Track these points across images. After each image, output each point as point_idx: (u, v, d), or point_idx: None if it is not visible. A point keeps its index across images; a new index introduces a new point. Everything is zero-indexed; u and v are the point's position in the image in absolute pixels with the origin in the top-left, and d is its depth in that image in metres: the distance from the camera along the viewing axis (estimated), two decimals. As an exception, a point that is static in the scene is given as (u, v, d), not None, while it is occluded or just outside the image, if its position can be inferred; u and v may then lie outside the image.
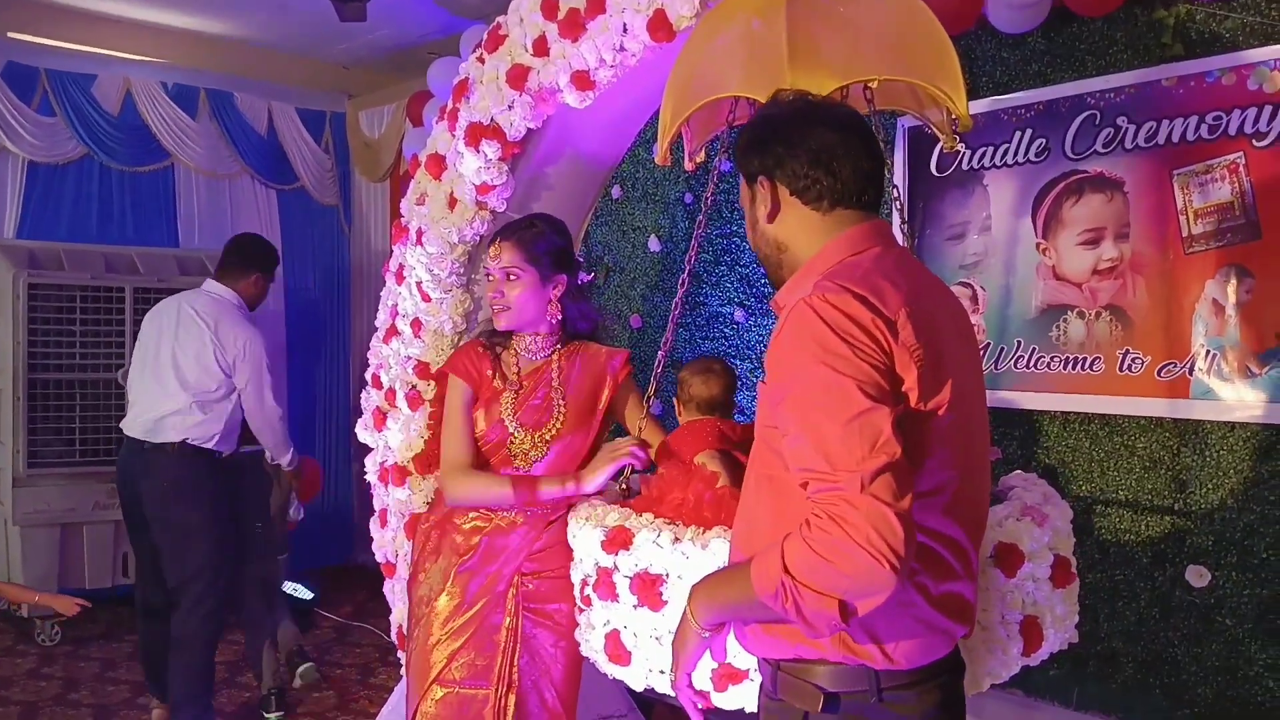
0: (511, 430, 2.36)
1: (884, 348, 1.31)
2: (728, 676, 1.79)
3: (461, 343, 2.96)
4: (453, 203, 2.86)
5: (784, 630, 1.45)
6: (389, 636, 3.23)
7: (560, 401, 2.40)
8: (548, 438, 2.37)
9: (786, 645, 1.46)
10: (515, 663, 2.33)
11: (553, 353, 2.44)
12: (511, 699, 2.32)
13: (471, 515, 2.38)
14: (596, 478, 2.24)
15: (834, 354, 1.30)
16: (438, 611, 2.35)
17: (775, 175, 1.53)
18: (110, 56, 5.46)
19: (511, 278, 2.34)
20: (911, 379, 1.32)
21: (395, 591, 3.02)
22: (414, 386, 2.97)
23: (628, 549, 1.91)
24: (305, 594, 5.21)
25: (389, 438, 3.01)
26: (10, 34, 5.17)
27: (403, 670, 2.92)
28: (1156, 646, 2.97)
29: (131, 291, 4.87)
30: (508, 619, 2.34)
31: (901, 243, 3.36)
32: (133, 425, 3.65)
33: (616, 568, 1.91)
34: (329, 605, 5.31)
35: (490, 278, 2.38)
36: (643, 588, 1.86)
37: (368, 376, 3.15)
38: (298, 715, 3.95)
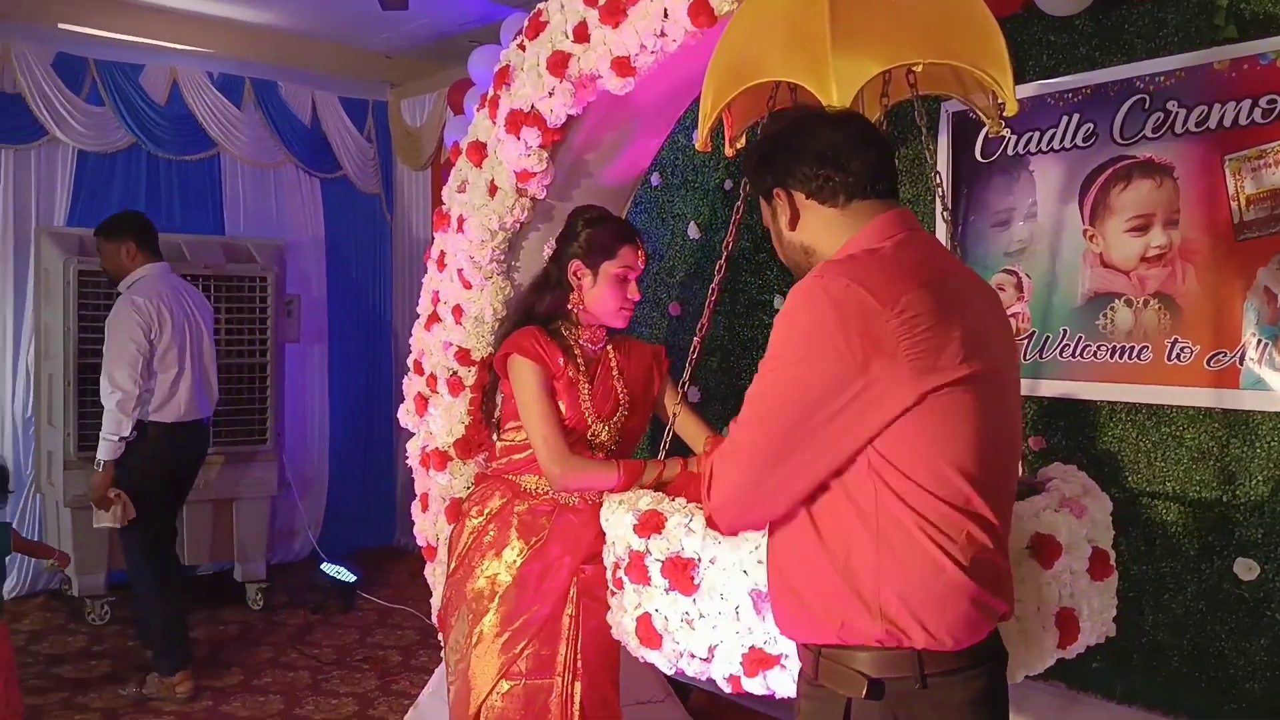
0: (590, 420, 2.38)
1: (868, 337, 1.35)
2: (758, 662, 1.80)
3: (500, 329, 2.97)
4: (493, 190, 2.87)
5: (825, 615, 1.46)
6: (429, 619, 3.27)
7: (624, 393, 2.45)
8: (618, 426, 2.43)
9: (830, 630, 1.46)
10: (579, 651, 2.34)
11: (605, 345, 2.47)
12: (577, 686, 2.34)
13: (537, 505, 2.39)
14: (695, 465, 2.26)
15: (801, 349, 1.40)
16: (505, 605, 2.35)
17: (788, 184, 1.58)
18: (157, 47, 5.55)
19: (639, 281, 2.43)
20: (906, 363, 1.35)
21: (436, 575, 3.05)
22: (455, 372, 2.99)
23: (660, 533, 1.91)
24: (348, 576, 5.28)
25: (431, 423, 3.04)
26: (60, 25, 5.27)
27: (444, 654, 2.96)
28: (1203, 640, 2.92)
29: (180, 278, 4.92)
30: (569, 607, 2.35)
31: (943, 229, 3.35)
32: (194, 408, 4.02)
33: (648, 551, 1.92)
34: (370, 588, 5.38)
35: (627, 279, 2.41)
36: (674, 571, 1.87)
37: (409, 362, 3.18)
38: (340, 696, 4.01)
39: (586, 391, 2.40)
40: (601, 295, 2.40)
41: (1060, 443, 3.22)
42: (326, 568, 5.40)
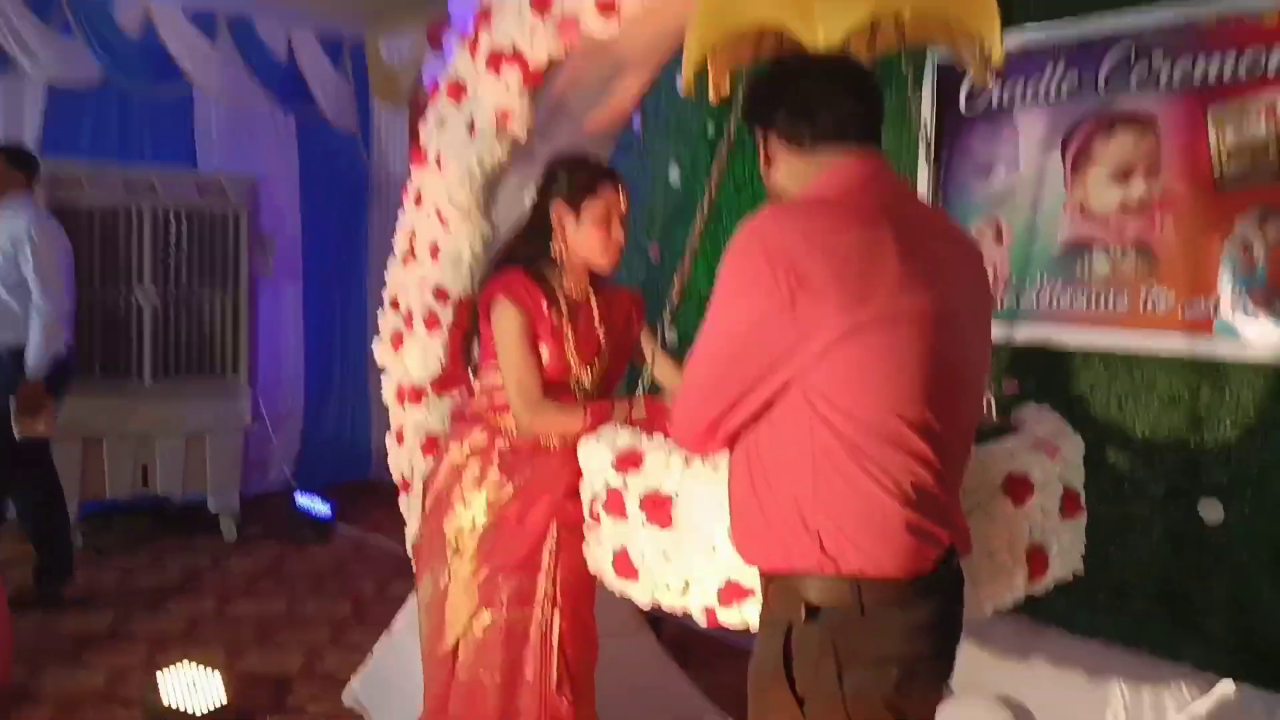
0: (574, 366, 2.38)
1: (794, 274, 1.40)
2: (734, 593, 1.83)
3: (476, 268, 2.95)
4: (473, 129, 2.84)
5: (774, 541, 1.52)
6: (404, 550, 3.29)
7: (603, 336, 2.45)
8: (600, 370, 2.43)
9: (778, 556, 1.52)
10: (558, 581, 2.36)
11: (588, 289, 2.46)
12: (556, 614, 2.36)
13: (517, 443, 2.39)
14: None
15: (736, 285, 1.48)
16: (485, 545, 2.36)
17: (766, 127, 1.68)
18: (130, -22, 5.41)
19: (622, 221, 2.39)
20: (834, 299, 1.40)
21: (410, 506, 3.06)
22: (432, 310, 2.98)
23: (638, 469, 1.93)
24: (323, 508, 5.31)
25: (407, 359, 3.03)
26: (29, -47, 5.12)
27: (417, 583, 2.99)
28: (1167, 578, 2.99)
29: (151, 212, 4.88)
30: (549, 542, 2.37)
31: (926, 178, 3.35)
32: None
33: (626, 487, 1.93)
34: (345, 520, 5.41)
35: (608, 220, 2.37)
36: (652, 507, 1.89)
37: (385, 299, 3.16)
38: (315, 623, 4.04)
39: (571, 337, 2.39)
40: (585, 236, 2.37)
41: (1033, 387, 3.26)
42: (301, 499, 5.42)
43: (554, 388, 2.37)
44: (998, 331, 3.26)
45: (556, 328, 2.37)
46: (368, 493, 6.06)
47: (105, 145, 5.46)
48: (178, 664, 3.14)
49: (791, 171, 1.64)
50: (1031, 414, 2.15)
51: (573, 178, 2.38)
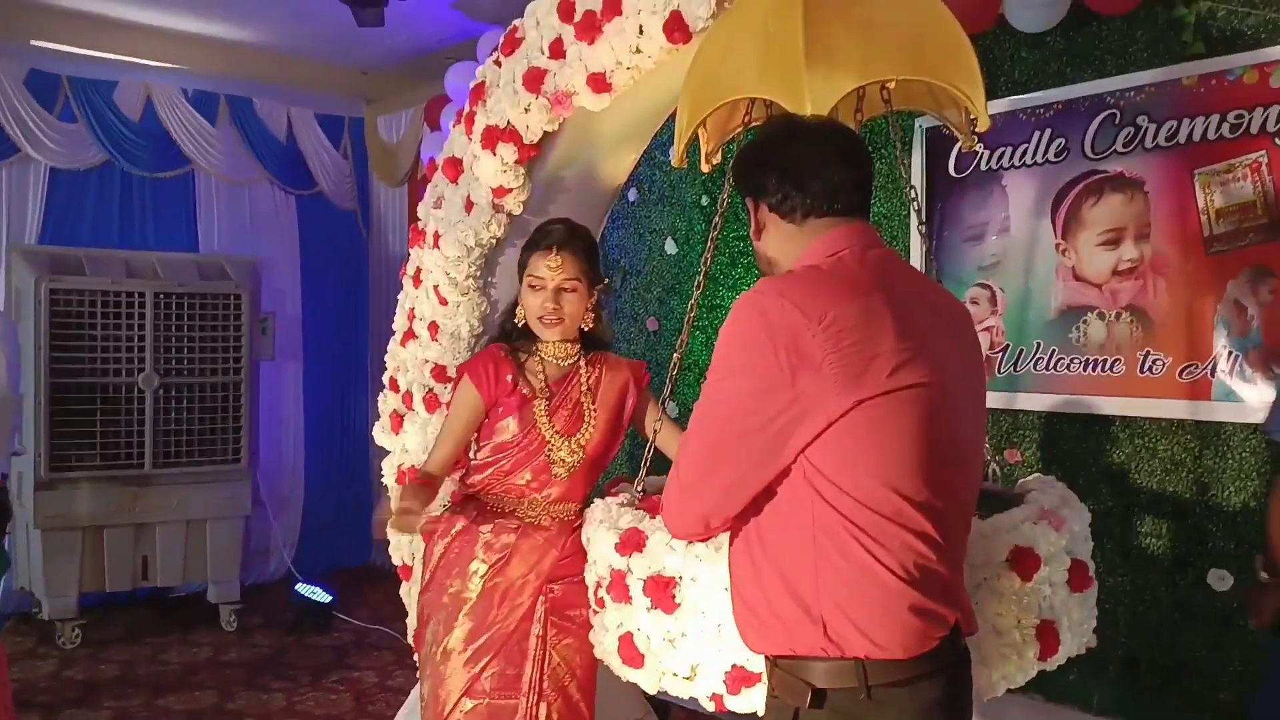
0: (548, 437, 2.36)
1: (794, 351, 1.39)
2: (740, 679, 1.79)
3: (479, 346, 2.97)
4: (470, 206, 2.87)
5: (776, 626, 1.49)
6: (405, 639, 3.23)
7: (591, 409, 2.42)
8: (583, 443, 2.40)
9: (781, 640, 1.49)
10: (545, 671, 2.33)
11: (578, 360, 2.45)
12: (543, 707, 2.32)
13: (502, 523, 2.38)
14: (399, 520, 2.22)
15: (734, 362, 1.45)
16: (465, 624, 2.34)
17: (756, 195, 1.63)
18: (131, 63, 5.51)
19: (569, 289, 2.35)
20: (832, 377, 1.38)
21: (411, 595, 3.02)
22: (431, 389, 2.98)
23: (641, 551, 1.90)
24: (324, 597, 5.23)
25: (406, 440, 3.02)
26: (33, 41, 5.22)
27: (419, 675, 2.93)
28: (1178, 651, 2.94)
29: (153, 296, 4.90)
30: (536, 627, 2.34)
31: (918, 244, 3.37)
32: None
33: (630, 570, 1.91)
34: (346, 608, 5.33)
35: (540, 287, 2.35)
36: (656, 590, 1.86)
37: (385, 380, 3.16)
38: (317, 718, 3.96)
39: (544, 408, 2.37)
40: (527, 304, 2.39)
41: (1034, 455, 3.24)
42: (302, 588, 5.35)
43: (525, 458, 2.36)
44: (997, 399, 3.25)
45: (527, 399, 2.36)
46: (368, 579, 5.99)
47: (106, 228, 5.51)
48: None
49: (782, 241, 1.62)
50: (1036, 484, 2.12)
51: (524, 249, 2.42)
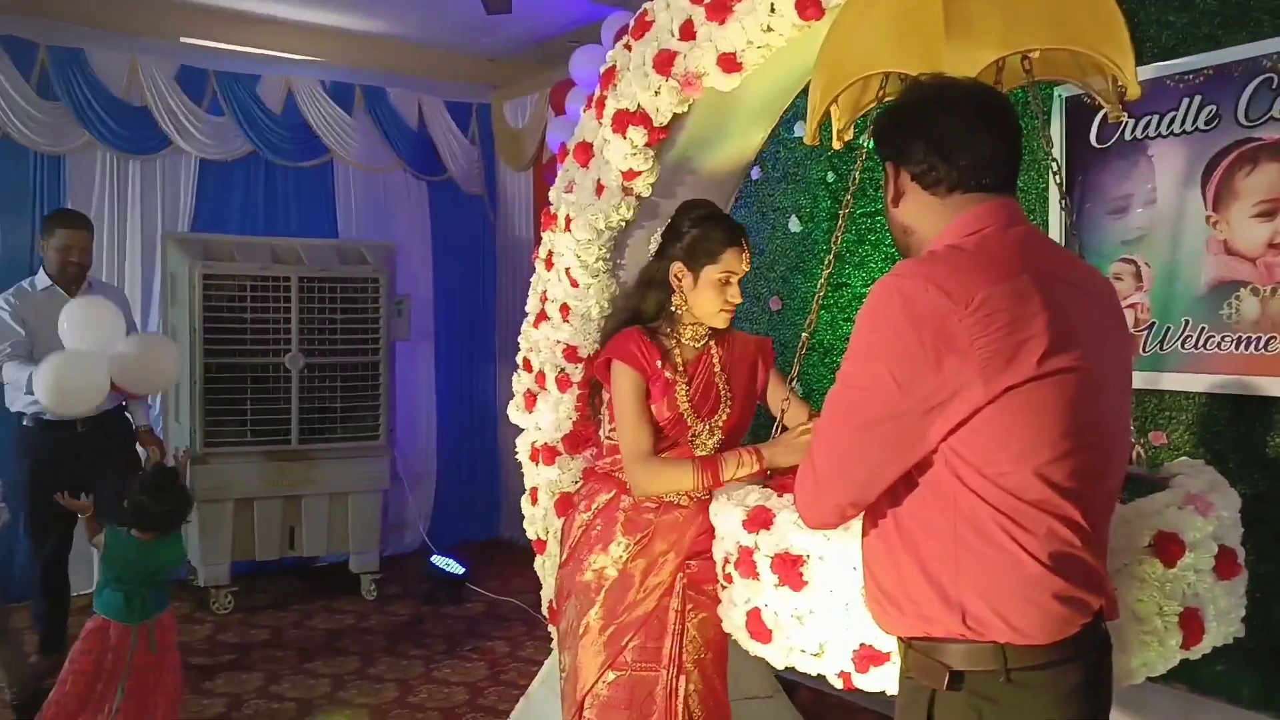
0: (689, 421, 2.38)
1: (941, 335, 1.35)
2: (869, 658, 1.79)
3: (606, 329, 3.01)
4: (600, 189, 2.91)
5: (911, 610, 1.47)
6: (535, 611, 3.32)
7: (726, 389, 2.45)
8: (720, 424, 2.42)
9: (916, 623, 1.47)
10: (684, 645, 2.36)
11: (708, 341, 2.47)
12: (682, 680, 2.35)
13: (642, 501, 2.41)
14: (781, 454, 2.24)
15: (876, 348, 1.41)
16: (610, 599, 2.38)
17: (899, 161, 1.58)
18: (273, 57, 5.77)
19: (741, 282, 2.41)
20: (979, 362, 1.34)
21: (546, 568, 3.10)
22: (563, 370, 3.05)
23: (769, 529, 1.91)
24: (457, 568, 5.42)
25: (539, 418, 3.10)
26: (182, 39, 5.52)
27: (553, 645, 3.01)
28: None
29: (297, 280, 5.12)
30: (675, 601, 2.37)
31: (1058, 218, 3.27)
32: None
33: (757, 547, 1.92)
34: (477, 580, 5.51)
35: (729, 281, 2.38)
36: (783, 567, 1.87)
37: (518, 360, 3.24)
38: (452, 685, 4.11)
39: (684, 393, 2.39)
40: (702, 298, 2.39)
41: (1182, 437, 3.11)
42: (436, 560, 5.55)
43: (671, 443, 2.39)
44: (1142, 379, 3.13)
45: (670, 383, 2.38)
46: (498, 551, 6.20)
47: (252, 216, 5.80)
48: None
49: (922, 213, 1.56)
50: (1184, 467, 2.04)
51: (696, 241, 2.40)
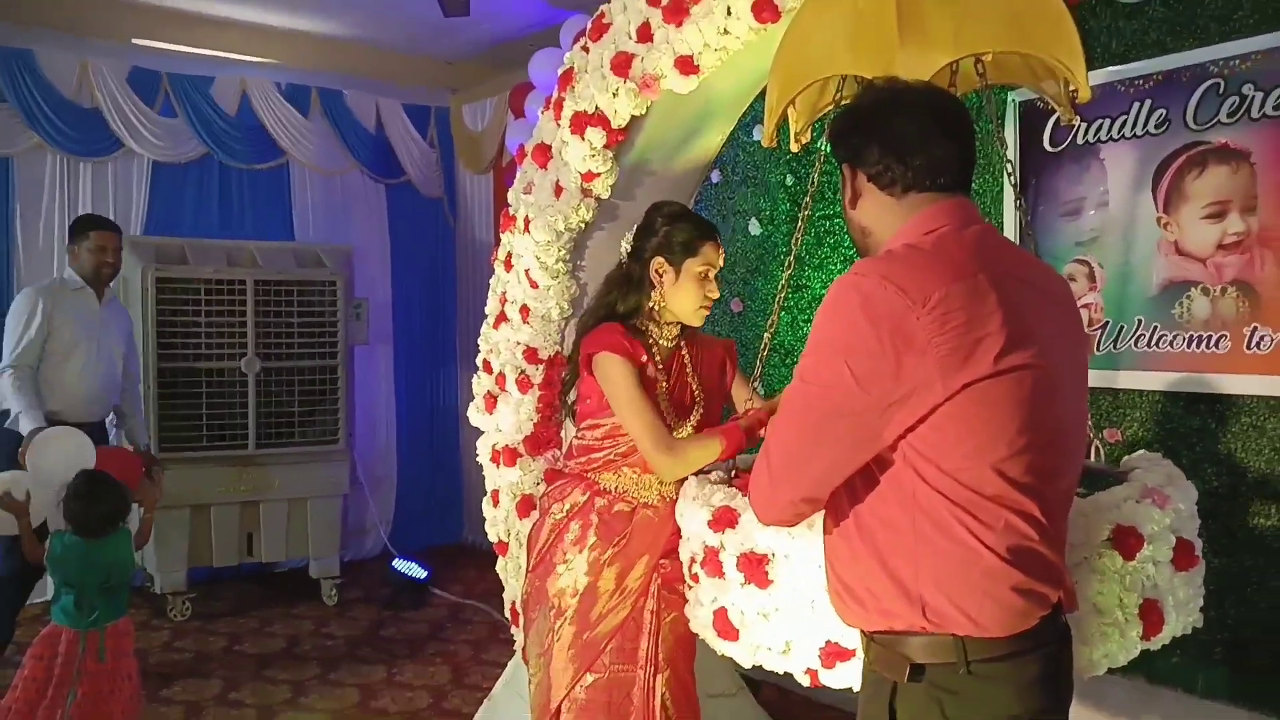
0: (670, 420, 2.36)
1: (899, 334, 1.36)
2: (835, 654, 1.80)
3: (567, 329, 3.02)
4: (559, 191, 2.91)
5: (872, 605, 1.49)
6: (499, 615, 3.30)
7: (697, 389, 2.45)
8: (694, 424, 2.42)
9: (877, 617, 1.49)
10: (660, 644, 2.36)
11: (678, 340, 2.48)
12: (659, 678, 2.36)
13: (616, 503, 2.40)
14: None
15: (835, 346, 1.43)
16: (584, 606, 2.36)
17: (855, 163, 1.60)
18: (227, 59, 5.70)
19: (718, 278, 2.42)
20: (936, 360, 1.36)
21: (508, 569, 3.09)
22: (523, 371, 3.04)
23: (734, 528, 1.92)
24: (419, 572, 5.38)
25: (500, 420, 3.09)
26: (134, 40, 5.43)
27: (517, 649, 3.00)
28: (1289, 635, 2.85)
29: (253, 284, 5.06)
30: (650, 602, 2.37)
31: (1013, 220, 3.31)
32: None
33: (723, 546, 1.93)
34: (440, 584, 5.47)
35: (707, 276, 2.39)
36: (749, 566, 1.88)
37: (478, 361, 3.23)
38: (415, 689, 4.08)
39: (665, 390, 2.39)
40: (682, 293, 2.39)
41: (1136, 434, 3.17)
42: (398, 564, 5.51)
43: None
44: (1096, 377, 3.18)
45: (653, 380, 2.37)
46: (462, 556, 6.16)
47: (206, 218, 5.71)
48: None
49: (879, 213, 1.58)
50: (1141, 461, 2.08)
51: (674, 235, 2.40)
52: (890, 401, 1.39)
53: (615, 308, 2.46)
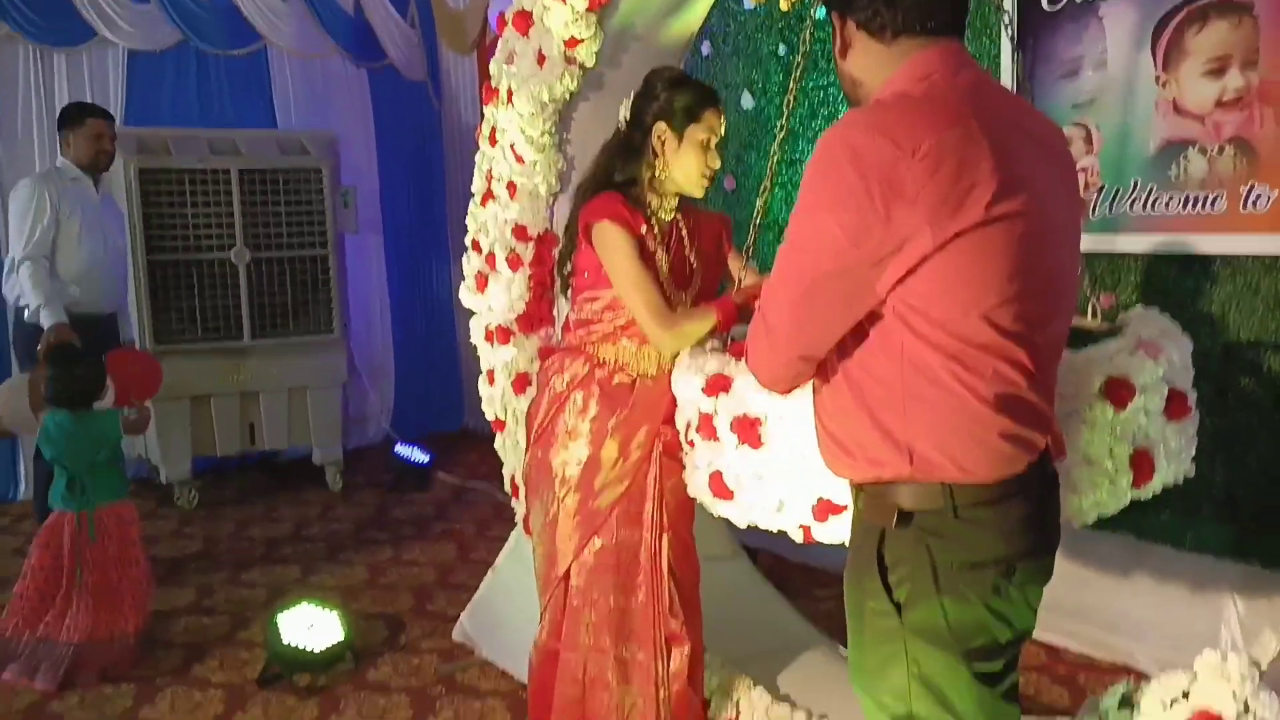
0: (669, 291, 2.33)
1: (888, 184, 1.33)
2: (827, 509, 1.83)
3: (556, 204, 2.97)
4: (542, 59, 2.82)
5: (861, 456, 1.51)
6: (503, 495, 3.35)
7: (694, 260, 2.42)
8: (693, 295, 2.40)
9: (866, 468, 1.51)
10: (664, 507, 2.39)
11: (676, 213, 2.43)
12: (664, 540, 2.39)
13: (616, 374, 2.38)
14: None
15: (824, 200, 1.40)
16: (590, 470, 2.37)
17: (844, 10, 1.55)
18: (198, -62, 5.49)
19: (720, 147, 2.35)
20: (927, 209, 1.33)
21: (505, 446, 3.12)
22: (513, 249, 3.00)
23: (727, 393, 1.93)
24: (423, 457, 5.45)
25: (491, 299, 3.07)
26: (101, -80, 5.22)
27: (518, 520, 3.05)
28: (1277, 491, 2.90)
29: (238, 173, 4.98)
30: (653, 468, 2.39)
31: (1012, 76, 3.24)
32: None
33: (717, 411, 1.94)
34: (444, 468, 5.55)
35: (710, 145, 2.32)
36: (742, 428, 1.89)
37: (467, 241, 3.19)
38: (422, 565, 4.18)
39: (665, 262, 2.36)
40: (685, 161, 2.33)
41: (1131, 297, 3.16)
42: (401, 450, 5.58)
43: None
44: (1094, 242, 3.16)
45: (652, 252, 2.34)
46: (464, 440, 6.25)
47: (186, 108, 5.59)
48: (296, 606, 3.25)
49: (869, 62, 1.54)
50: (1137, 316, 2.08)
51: (676, 99, 2.32)
52: (881, 255, 1.37)
53: (613, 176, 2.38)
